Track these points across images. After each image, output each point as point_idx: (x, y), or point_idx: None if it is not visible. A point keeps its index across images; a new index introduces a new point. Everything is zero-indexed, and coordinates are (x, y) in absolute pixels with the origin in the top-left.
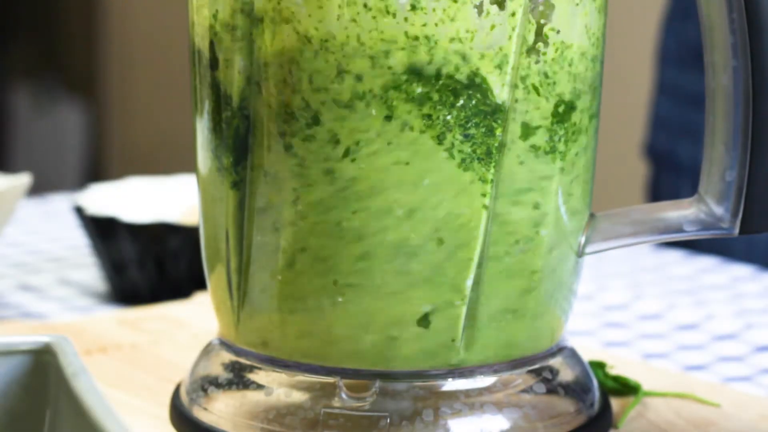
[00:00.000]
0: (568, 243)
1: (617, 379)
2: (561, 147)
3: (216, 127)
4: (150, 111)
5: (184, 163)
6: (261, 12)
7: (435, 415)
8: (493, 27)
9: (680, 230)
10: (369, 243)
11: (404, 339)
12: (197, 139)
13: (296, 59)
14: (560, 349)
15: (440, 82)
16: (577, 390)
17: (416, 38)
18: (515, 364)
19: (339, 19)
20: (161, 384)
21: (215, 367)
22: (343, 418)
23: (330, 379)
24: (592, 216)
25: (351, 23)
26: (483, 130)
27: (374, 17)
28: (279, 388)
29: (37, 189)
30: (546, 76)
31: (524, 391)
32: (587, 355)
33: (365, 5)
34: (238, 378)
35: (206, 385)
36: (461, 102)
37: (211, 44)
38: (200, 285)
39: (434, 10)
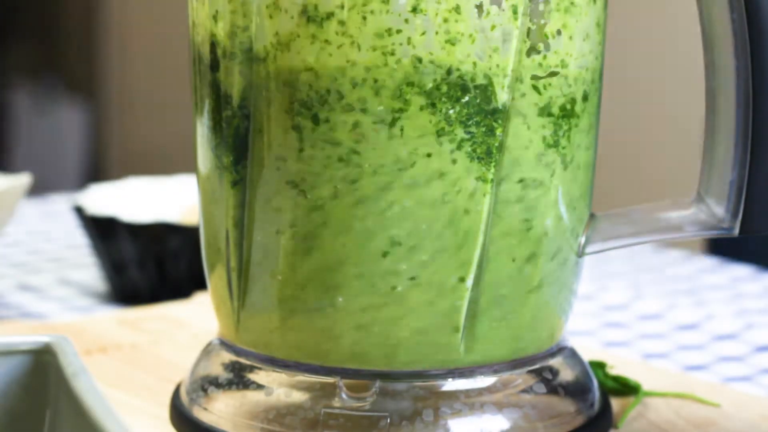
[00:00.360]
0: (568, 243)
1: (617, 379)
2: (561, 147)
3: (216, 127)
4: (150, 111)
5: (184, 163)
6: (262, 53)
7: (435, 415)
8: (493, 27)
9: (680, 230)
10: (369, 242)
11: (404, 339)
12: (197, 138)
13: (298, 81)
14: (560, 349)
15: (445, 80)
16: (577, 390)
17: (421, 33)
18: (515, 364)
19: (341, 47)
20: (161, 384)
21: (215, 367)
22: (343, 418)
23: (330, 379)
24: (592, 216)
25: (351, 39)
26: (483, 129)
27: (374, 31)
28: (279, 388)
29: (37, 189)
30: (546, 76)
31: (524, 391)
32: (587, 355)
33: (364, 17)
34: (238, 378)
35: (206, 385)
36: (465, 99)
37: (212, 46)
38: (200, 285)
39: (436, 13)
